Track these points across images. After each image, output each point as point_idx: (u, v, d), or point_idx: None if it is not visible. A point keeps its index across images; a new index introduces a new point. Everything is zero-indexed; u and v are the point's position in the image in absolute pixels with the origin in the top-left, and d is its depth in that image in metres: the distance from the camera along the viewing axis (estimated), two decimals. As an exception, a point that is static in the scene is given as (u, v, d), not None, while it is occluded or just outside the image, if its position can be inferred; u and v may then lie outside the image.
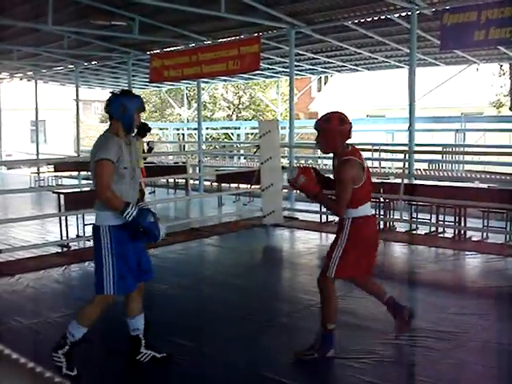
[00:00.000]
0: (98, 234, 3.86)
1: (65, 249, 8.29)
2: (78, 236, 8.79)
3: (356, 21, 12.15)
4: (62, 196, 8.74)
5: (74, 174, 17.74)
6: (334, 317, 4.31)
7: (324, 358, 4.25)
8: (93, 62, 18.84)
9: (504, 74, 19.66)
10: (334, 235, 4.35)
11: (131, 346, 4.22)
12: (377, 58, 16.11)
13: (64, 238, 8.42)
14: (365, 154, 15.90)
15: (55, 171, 16.84)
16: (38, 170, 17.84)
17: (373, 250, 4.48)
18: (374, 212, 4.54)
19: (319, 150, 4.45)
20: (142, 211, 3.83)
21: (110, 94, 3.98)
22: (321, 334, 4.31)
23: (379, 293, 4.68)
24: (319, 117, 4.34)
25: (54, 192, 9.63)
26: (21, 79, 23.90)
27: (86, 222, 8.86)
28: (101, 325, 4.27)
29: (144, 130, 9.74)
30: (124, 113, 3.85)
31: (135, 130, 4.17)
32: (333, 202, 4.25)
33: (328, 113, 4.31)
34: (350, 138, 4.25)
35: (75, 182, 17.11)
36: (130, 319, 4.20)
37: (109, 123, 3.97)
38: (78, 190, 10.09)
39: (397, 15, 11.49)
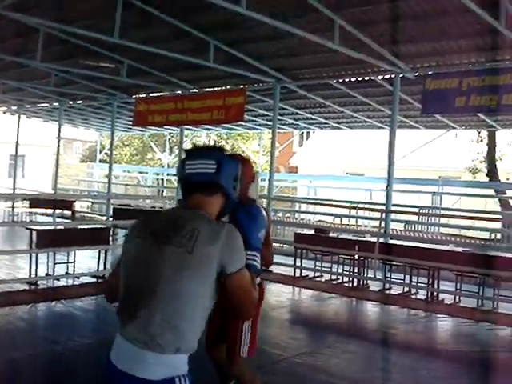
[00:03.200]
0: None
1: (33, 286, 8.12)
2: (47, 274, 8.62)
3: (340, 80, 12.37)
4: (34, 232, 8.62)
5: (50, 211, 17.55)
6: None
7: None
8: (78, 101, 18.88)
9: (482, 140, 20.03)
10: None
11: None
12: (359, 118, 16.36)
13: (33, 275, 8.25)
14: (342, 211, 15.96)
15: (30, 207, 16.64)
16: (13, 204, 17.63)
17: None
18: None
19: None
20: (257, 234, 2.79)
21: (214, 150, 2.44)
22: None
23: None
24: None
25: (26, 228, 9.48)
26: (4, 113, 23.83)
27: (56, 261, 8.74)
28: None
29: None
30: (236, 187, 2.40)
31: None
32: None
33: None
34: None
35: (50, 219, 16.90)
36: None
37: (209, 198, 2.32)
38: (52, 227, 9.96)
39: (380, 77, 11.73)
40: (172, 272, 2.07)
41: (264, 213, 2.63)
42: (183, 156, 2.40)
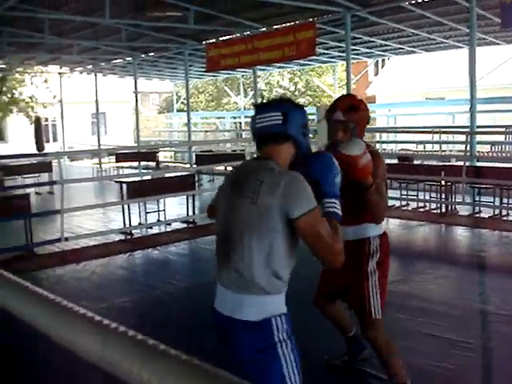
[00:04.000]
0: (262, 330, 2.23)
1: (128, 236, 8.49)
2: (140, 224, 8.98)
3: (413, 1, 11.89)
4: (124, 185, 8.94)
5: (135, 164, 18.08)
6: (405, 371, 3.37)
7: None
8: (150, 54, 19.10)
9: None
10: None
11: None
12: (435, 39, 15.74)
13: (127, 225, 8.61)
14: (425, 138, 15.67)
15: (116, 162, 17.20)
16: (100, 161, 18.26)
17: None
18: None
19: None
20: (334, 177, 2.42)
21: (265, 104, 2.53)
22: None
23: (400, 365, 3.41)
24: (331, 106, 3.45)
25: (116, 181, 9.85)
26: (81, 73, 24.45)
27: (147, 210, 9.06)
28: None
29: None
30: (304, 134, 2.45)
31: None
32: (382, 200, 3.23)
33: (344, 98, 3.58)
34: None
35: (136, 171, 17.44)
36: None
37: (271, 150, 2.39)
38: (139, 178, 10.29)
39: (455, -7, 11.22)
40: (247, 220, 2.23)
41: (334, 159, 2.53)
42: (253, 112, 2.47)
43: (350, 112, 3.29)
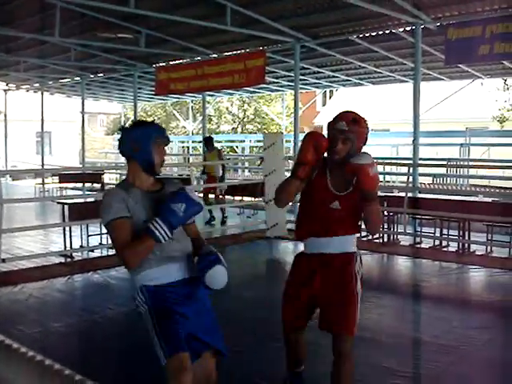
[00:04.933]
0: (135, 299, 3.02)
1: (68, 259, 8.30)
2: (81, 246, 8.80)
3: (361, 35, 12.18)
4: (66, 206, 8.77)
5: (79, 185, 17.77)
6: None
7: None
8: (99, 74, 18.94)
9: (508, 88, 19.66)
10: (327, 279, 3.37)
11: None
12: (381, 73, 16.14)
13: (68, 248, 8.43)
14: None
15: (60, 182, 16.88)
16: (43, 180, 17.90)
17: None
18: None
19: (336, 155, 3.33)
20: (170, 205, 2.85)
21: (120, 129, 3.07)
22: None
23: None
24: (335, 117, 3.50)
25: (58, 202, 9.65)
26: (27, 90, 24.02)
27: (89, 233, 8.89)
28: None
29: (210, 143, 12.15)
30: (138, 150, 2.95)
31: (159, 170, 3.12)
32: (379, 209, 3.45)
33: (349, 112, 3.56)
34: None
35: (80, 193, 17.14)
36: None
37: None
38: (82, 200, 10.11)
39: (401, 30, 11.53)
40: None
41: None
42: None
43: (353, 124, 3.38)
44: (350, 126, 3.36)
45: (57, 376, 0.81)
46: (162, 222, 2.80)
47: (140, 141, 2.94)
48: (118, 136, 3.05)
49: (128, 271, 2.96)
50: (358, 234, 3.57)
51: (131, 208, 2.88)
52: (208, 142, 12.29)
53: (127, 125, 3.10)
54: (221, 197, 12.11)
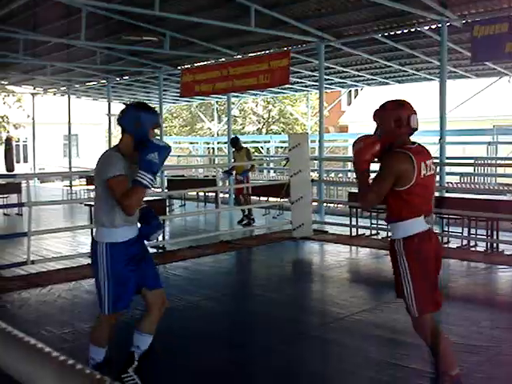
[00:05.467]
0: (95, 249, 3.64)
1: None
2: (109, 248, 8.87)
3: (386, 34, 12.12)
4: (93, 208, 8.85)
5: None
6: (454, 359, 3.65)
7: None
8: (125, 77, 19.12)
9: (536, 85, 19.41)
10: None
11: (124, 360, 3.89)
12: (407, 71, 16.04)
13: (95, 249, 8.50)
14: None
15: (87, 184, 17.06)
16: (71, 183, 18.11)
17: (436, 273, 3.80)
18: (428, 226, 3.71)
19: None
20: (147, 157, 3.43)
21: (125, 106, 3.78)
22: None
23: (446, 353, 3.67)
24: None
25: (85, 204, 9.76)
26: (54, 94, 24.34)
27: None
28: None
29: (237, 144, 11.99)
30: (138, 127, 3.54)
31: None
32: (365, 189, 3.61)
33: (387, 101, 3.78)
34: (413, 127, 3.63)
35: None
36: (137, 333, 3.90)
37: (120, 137, 3.67)
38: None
39: (427, 28, 11.45)
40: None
41: None
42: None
43: (378, 110, 3.73)
44: (377, 112, 3.70)
45: (78, 375, 0.81)
46: (145, 172, 3.42)
47: (142, 122, 3.55)
48: (120, 112, 3.68)
49: (96, 220, 3.69)
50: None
51: (126, 170, 3.52)
52: (235, 142, 12.14)
53: (133, 103, 3.76)
54: (246, 197, 12.08)
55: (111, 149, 3.75)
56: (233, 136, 13.45)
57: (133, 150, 3.57)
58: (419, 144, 3.73)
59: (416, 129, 3.65)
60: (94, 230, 3.89)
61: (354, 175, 3.81)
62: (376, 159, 3.64)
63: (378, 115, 3.68)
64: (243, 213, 11.93)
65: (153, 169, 3.43)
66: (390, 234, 3.85)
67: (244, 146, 12.42)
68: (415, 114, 3.64)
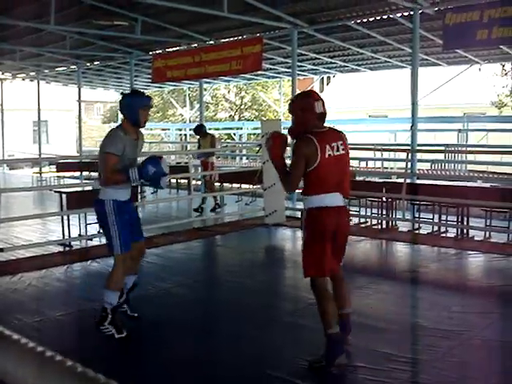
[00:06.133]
0: (102, 206, 4.63)
1: (67, 248, 8.29)
2: (79, 235, 8.79)
3: (358, 20, 12.12)
4: (63, 195, 8.75)
5: (76, 174, 17.74)
6: (332, 319, 4.04)
7: (333, 365, 3.99)
8: (95, 63, 18.84)
9: (506, 73, 19.65)
10: None
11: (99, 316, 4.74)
12: (379, 58, 16.08)
13: (66, 237, 8.42)
14: (367, 154, 15.91)
15: (57, 171, 16.85)
16: (40, 170, 17.87)
17: (332, 245, 4.13)
18: (341, 204, 4.15)
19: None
20: (143, 169, 4.51)
21: (122, 95, 4.75)
22: (326, 340, 4.03)
23: (340, 301, 4.33)
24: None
25: (55, 191, 9.63)
26: (23, 79, 23.92)
27: (88, 222, 8.86)
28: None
29: (201, 131, 11.92)
30: (130, 110, 4.56)
31: (144, 125, 4.75)
32: (285, 176, 4.19)
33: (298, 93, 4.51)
34: (318, 112, 4.13)
35: (77, 181, 17.12)
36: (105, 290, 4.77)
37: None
38: (80, 189, 10.09)
39: (399, 15, 11.47)
40: None
41: None
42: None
43: (290, 103, 4.37)
44: (288, 105, 4.39)
45: (58, 366, 0.79)
46: (137, 173, 4.49)
47: (132, 105, 4.58)
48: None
49: (100, 186, 4.73)
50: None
51: (125, 147, 4.54)
52: (199, 129, 12.03)
53: (125, 92, 4.78)
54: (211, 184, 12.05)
55: (117, 127, 4.75)
56: (197, 123, 13.38)
57: (132, 127, 4.65)
58: (331, 128, 4.32)
59: (322, 113, 4.16)
60: (101, 191, 4.75)
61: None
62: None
63: (290, 107, 4.27)
64: (215, 200, 11.88)
65: (143, 175, 4.50)
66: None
67: (209, 132, 12.34)
68: (319, 100, 4.17)
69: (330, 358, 3.98)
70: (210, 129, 28.12)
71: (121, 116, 4.77)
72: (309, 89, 4.43)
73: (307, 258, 4.19)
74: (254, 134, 27.36)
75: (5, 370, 0.84)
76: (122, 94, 4.79)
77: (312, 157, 3.97)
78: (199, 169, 14.35)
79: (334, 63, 17.32)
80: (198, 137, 12.15)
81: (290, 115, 4.33)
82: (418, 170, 12.91)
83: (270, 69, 18.37)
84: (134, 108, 4.55)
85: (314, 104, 4.10)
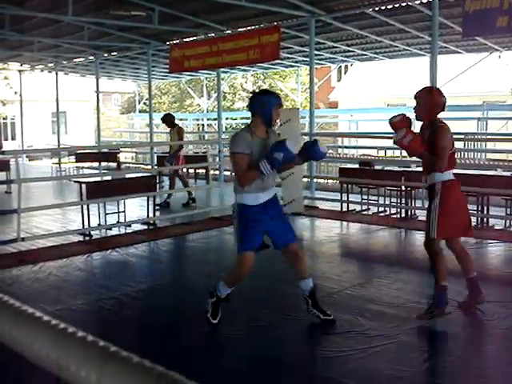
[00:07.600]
0: (238, 209, 4.59)
1: (86, 237, 8.36)
2: (99, 225, 8.85)
3: (377, 8, 12.01)
4: (83, 185, 8.81)
5: (95, 164, 17.85)
6: (445, 274, 4.80)
7: (443, 315, 4.67)
8: (113, 53, 18.89)
9: (527, 61, 19.38)
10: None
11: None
12: (398, 46, 15.95)
13: (86, 226, 8.48)
14: (386, 143, 15.78)
15: (76, 162, 16.96)
16: (59, 160, 17.98)
17: (466, 211, 5.00)
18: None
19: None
20: (272, 159, 4.30)
21: (251, 94, 4.71)
22: (435, 292, 4.77)
23: (467, 264, 5.08)
24: (419, 90, 4.97)
25: (75, 181, 9.70)
26: (42, 71, 24.05)
27: (107, 211, 8.92)
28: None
29: (167, 121, 11.38)
30: (265, 109, 4.45)
31: (275, 124, 4.82)
32: (437, 159, 4.68)
33: (427, 86, 5.22)
34: (444, 110, 4.83)
35: (96, 172, 17.21)
36: (300, 281, 4.82)
37: (250, 120, 4.65)
38: (99, 179, 10.15)
39: (418, 2, 11.35)
40: None
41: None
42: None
43: (421, 93, 4.93)
44: (420, 95, 4.92)
45: (71, 338, 0.80)
46: (267, 162, 4.32)
47: (265, 103, 4.47)
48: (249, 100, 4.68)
49: (235, 190, 4.59)
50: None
51: (252, 148, 4.43)
52: (164, 119, 11.51)
53: (257, 91, 4.85)
54: (183, 178, 11.56)
55: (243, 129, 4.72)
56: (165, 112, 12.67)
57: (262, 126, 4.52)
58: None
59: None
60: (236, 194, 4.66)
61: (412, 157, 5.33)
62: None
63: (425, 99, 4.81)
64: (189, 195, 11.44)
65: (273, 163, 4.31)
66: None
67: (176, 124, 11.58)
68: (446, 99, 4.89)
69: (441, 305, 4.73)
70: (226, 118, 28.29)
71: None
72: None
73: (441, 222, 4.73)
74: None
75: (25, 344, 0.85)
76: (252, 92, 4.75)
77: (452, 142, 4.82)
78: (217, 158, 14.34)
79: (352, 51, 17.20)
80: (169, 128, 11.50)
81: (417, 102, 4.89)
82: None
83: (288, 58, 18.29)
84: (269, 107, 4.47)
85: (445, 104, 4.88)
